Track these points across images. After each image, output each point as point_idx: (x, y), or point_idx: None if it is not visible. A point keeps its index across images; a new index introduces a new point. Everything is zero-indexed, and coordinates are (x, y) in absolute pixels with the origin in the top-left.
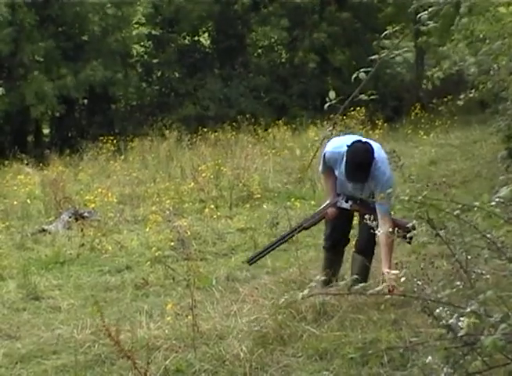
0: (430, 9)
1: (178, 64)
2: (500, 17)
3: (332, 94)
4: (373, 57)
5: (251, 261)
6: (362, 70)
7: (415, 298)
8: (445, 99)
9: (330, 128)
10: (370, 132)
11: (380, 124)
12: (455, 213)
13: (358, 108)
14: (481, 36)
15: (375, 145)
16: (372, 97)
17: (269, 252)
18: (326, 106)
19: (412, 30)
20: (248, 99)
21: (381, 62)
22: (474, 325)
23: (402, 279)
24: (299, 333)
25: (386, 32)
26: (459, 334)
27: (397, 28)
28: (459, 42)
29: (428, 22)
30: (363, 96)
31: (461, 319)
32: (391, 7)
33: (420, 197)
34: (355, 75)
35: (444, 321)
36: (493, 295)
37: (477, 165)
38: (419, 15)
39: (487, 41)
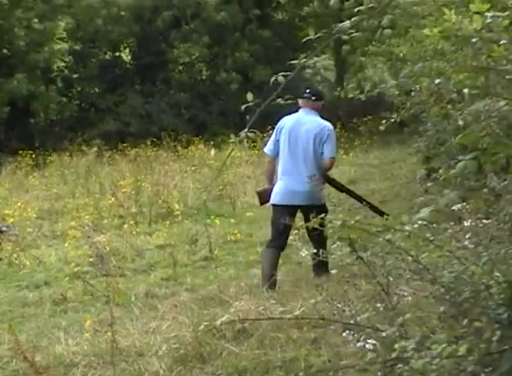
0: (352, 19)
1: (98, 79)
2: (421, 39)
3: (249, 96)
4: (292, 62)
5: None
6: (280, 73)
7: (334, 321)
8: (365, 119)
9: (245, 130)
10: None
11: None
12: (373, 231)
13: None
14: (401, 55)
15: None
16: (288, 101)
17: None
18: (243, 107)
19: (332, 49)
20: (169, 115)
21: (302, 80)
22: (390, 347)
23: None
24: (218, 351)
25: (306, 38)
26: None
27: (319, 35)
28: (378, 63)
29: (351, 31)
30: (280, 100)
31: (368, 341)
32: (311, 26)
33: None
34: (273, 78)
35: (352, 344)
36: (413, 317)
37: (397, 185)
38: (341, 24)
39: (408, 63)
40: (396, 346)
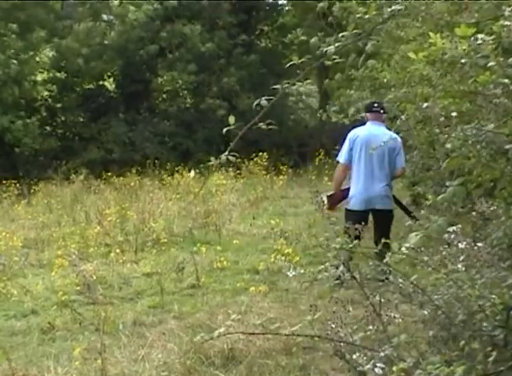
0: (336, 44)
1: (82, 108)
2: (405, 65)
3: (231, 119)
4: (275, 86)
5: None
6: (264, 97)
7: (329, 339)
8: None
9: (225, 153)
10: (275, 178)
11: (284, 170)
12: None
13: (261, 154)
14: (385, 81)
15: None
16: (270, 127)
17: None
18: (225, 130)
19: (315, 75)
20: (152, 143)
21: (285, 107)
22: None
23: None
24: None
25: (290, 63)
26: None
27: (303, 60)
28: (363, 89)
29: (334, 57)
30: (262, 125)
31: (377, 365)
32: (295, 53)
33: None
34: (256, 102)
35: (360, 367)
36: (407, 339)
37: None
38: (325, 49)
39: (392, 89)
40: (394, 369)
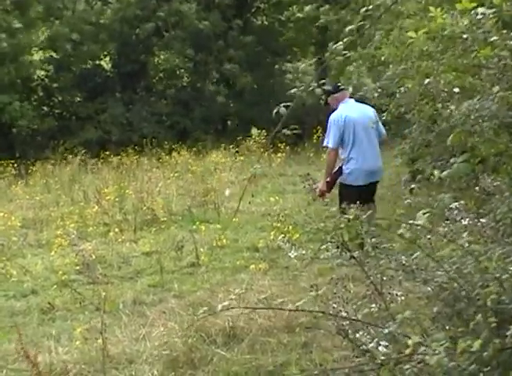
0: (344, 40)
1: (79, 88)
2: (404, 41)
3: (255, 131)
4: (292, 91)
5: None
6: (282, 104)
7: (333, 316)
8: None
9: (259, 165)
10: (273, 156)
11: (282, 147)
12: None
13: (259, 131)
14: (383, 59)
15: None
16: (295, 131)
17: None
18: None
19: (313, 53)
20: (150, 123)
21: (282, 86)
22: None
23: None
24: (209, 356)
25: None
26: (381, 358)
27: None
28: (360, 66)
29: (347, 53)
30: (286, 131)
31: (381, 343)
32: (291, 31)
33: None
34: (276, 110)
35: (364, 346)
36: (411, 316)
37: (381, 188)
38: (334, 46)
39: (390, 65)
40: (409, 342)
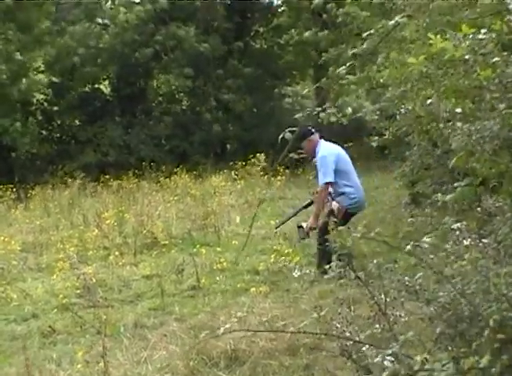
0: (347, 64)
1: (78, 112)
2: (404, 63)
3: (261, 157)
4: (296, 116)
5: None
6: (287, 130)
7: (337, 337)
8: (345, 145)
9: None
10: (272, 179)
11: (281, 170)
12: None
13: (258, 155)
14: (381, 81)
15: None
16: (301, 156)
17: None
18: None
19: (311, 77)
20: (148, 146)
21: (281, 110)
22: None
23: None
24: None
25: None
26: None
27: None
28: (360, 87)
29: (347, 76)
30: (293, 155)
31: (387, 358)
32: (290, 54)
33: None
34: (281, 136)
35: (369, 360)
36: (413, 337)
37: (381, 211)
38: (338, 70)
39: (389, 88)
40: (418, 358)
